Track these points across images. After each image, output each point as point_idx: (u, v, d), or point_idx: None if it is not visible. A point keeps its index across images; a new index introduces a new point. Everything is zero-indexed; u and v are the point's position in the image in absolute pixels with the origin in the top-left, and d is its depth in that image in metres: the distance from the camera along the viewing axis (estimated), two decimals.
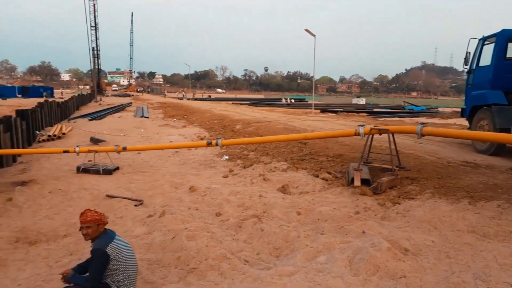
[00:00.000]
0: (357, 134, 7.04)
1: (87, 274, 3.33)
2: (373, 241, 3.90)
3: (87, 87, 74.37)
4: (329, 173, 7.35)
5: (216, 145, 9.13)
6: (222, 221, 5.49)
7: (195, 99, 59.56)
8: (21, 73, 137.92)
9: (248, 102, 50.38)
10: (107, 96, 63.63)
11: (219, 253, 4.18)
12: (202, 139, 14.62)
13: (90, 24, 60.08)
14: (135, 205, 6.56)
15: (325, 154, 8.87)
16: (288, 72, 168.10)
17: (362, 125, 7.10)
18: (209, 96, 79.64)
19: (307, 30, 24.53)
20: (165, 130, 18.80)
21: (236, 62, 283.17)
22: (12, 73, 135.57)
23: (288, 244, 4.50)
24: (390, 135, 6.72)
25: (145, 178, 8.48)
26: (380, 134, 7.15)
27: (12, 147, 10.62)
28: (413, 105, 47.22)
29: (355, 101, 65.11)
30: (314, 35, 24.46)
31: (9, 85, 73.71)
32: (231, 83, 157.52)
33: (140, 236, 5.08)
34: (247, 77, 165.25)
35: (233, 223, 5.32)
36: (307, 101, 59.36)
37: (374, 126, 7.65)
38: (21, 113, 12.91)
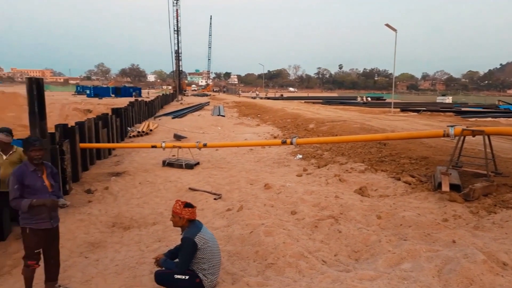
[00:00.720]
0: (446, 135, 6.49)
1: (177, 260, 3.59)
2: (466, 251, 3.57)
3: (170, 87, 79.78)
4: (413, 177, 6.90)
5: (291, 144, 9.14)
6: (298, 219, 5.49)
7: (268, 98, 60.37)
8: (114, 75, 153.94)
9: (321, 101, 49.50)
10: (187, 95, 67.71)
11: (296, 251, 4.20)
12: (275, 137, 14.78)
13: (174, 28, 63.92)
14: (215, 199, 6.90)
15: (407, 156, 8.35)
16: (364, 69, 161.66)
17: (452, 126, 6.53)
18: (281, 95, 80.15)
19: (387, 25, 23.29)
20: (240, 128, 19.39)
21: (309, 60, 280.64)
22: (107, 75, 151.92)
23: (368, 248, 4.34)
24: (486, 137, 6.08)
25: (223, 174, 8.86)
26: (474, 136, 6.51)
27: (108, 142, 11.91)
28: (509, 104, 42.05)
29: (439, 99, 60.06)
30: (395, 30, 23.13)
31: (104, 85, 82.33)
32: (304, 82, 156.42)
33: (220, 228, 5.32)
34: (320, 75, 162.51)
35: (308, 222, 5.29)
36: (385, 100, 56.46)
37: (466, 127, 6.99)
38: (116, 111, 14.40)
